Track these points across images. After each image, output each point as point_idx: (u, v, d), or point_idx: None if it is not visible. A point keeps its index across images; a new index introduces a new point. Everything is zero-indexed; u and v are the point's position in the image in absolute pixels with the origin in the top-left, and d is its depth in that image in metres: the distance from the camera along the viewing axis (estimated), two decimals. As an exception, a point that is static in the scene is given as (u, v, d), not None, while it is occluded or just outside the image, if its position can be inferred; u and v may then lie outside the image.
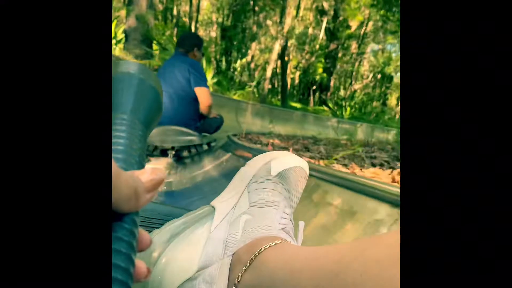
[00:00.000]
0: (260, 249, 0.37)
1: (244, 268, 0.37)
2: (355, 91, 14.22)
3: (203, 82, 1.91)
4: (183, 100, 1.88)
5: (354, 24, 13.05)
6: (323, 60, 12.94)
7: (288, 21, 9.01)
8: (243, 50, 12.01)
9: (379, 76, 16.45)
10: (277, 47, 9.40)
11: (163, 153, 1.69)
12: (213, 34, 11.58)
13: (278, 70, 11.37)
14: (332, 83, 13.51)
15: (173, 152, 1.65)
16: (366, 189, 0.97)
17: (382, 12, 11.87)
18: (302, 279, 0.30)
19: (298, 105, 10.96)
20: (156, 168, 0.22)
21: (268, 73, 9.46)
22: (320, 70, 12.51)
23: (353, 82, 14.73)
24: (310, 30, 12.99)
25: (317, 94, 13.23)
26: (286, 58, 10.45)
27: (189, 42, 2.03)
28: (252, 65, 12.55)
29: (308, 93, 13.40)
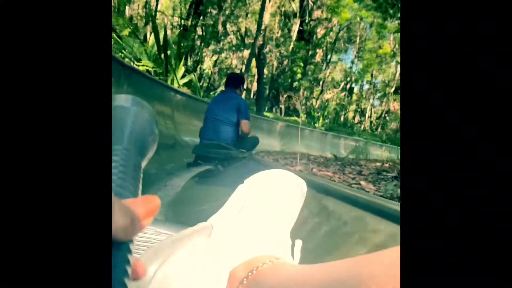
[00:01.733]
0: (257, 267, 0.38)
1: (240, 286, 0.37)
2: (327, 100, 14.35)
3: (247, 116, 2.68)
4: (229, 125, 2.62)
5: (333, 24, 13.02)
6: (301, 65, 12.72)
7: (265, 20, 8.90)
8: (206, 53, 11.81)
9: (348, 86, 16.74)
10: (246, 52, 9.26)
11: (208, 160, 2.34)
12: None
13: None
14: (301, 92, 13.53)
15: (217, 161, 2.28)
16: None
17: (363, 12, 12.08)
18: None
19: (270, 115, 10.77)
20: (151, 196, 0.23)
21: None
22: (298, 76, 12.45)
23: (324, 91, 14.89)
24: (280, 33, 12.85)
25: (284, 104, 12.99)
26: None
27: (237, 82, 2.80)
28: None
29: (276, 102, 13.24)
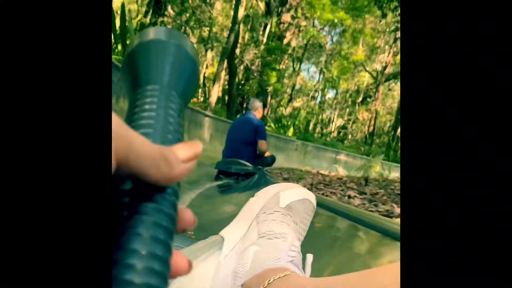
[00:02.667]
0: (269, 280, 0.38)
1: None
2: (298, 109, 13.66)
3: (264, 137, 3.03)
4: (247, 144, 2.98)
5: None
6: (277, 67, 11.98)
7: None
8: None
9: (316, 94, 16.21)
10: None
11: (228, 175, 2.62)
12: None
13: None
14: (268, 99, 12.65)
15: (236, 176, 2.59)
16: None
17: (341, 13, 11.41)
18: None
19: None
20: (193, 142, 0.21)
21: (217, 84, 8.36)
22: (273, 79, 11.57)
23: (293, 99, 14.16)
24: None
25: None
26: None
27: (256, 106, 3.14)
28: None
29: (244, 109, 12.39)
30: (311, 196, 0.54)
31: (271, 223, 0.48)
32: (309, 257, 0.47)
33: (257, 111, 3.11)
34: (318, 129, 13.35)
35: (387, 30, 14.31)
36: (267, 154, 3.08)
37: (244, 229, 0.49)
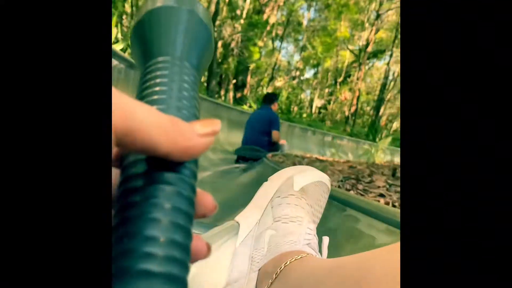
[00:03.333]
0: (286, 263, 0.38)
1: (270, 281, 0.37)
2: (279, 88, 13.13)
3: (277, 128, 3.41)
4: (263, 133, 3.35)
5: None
6: (259, 43, 11.33)
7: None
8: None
9: (297, 73, 15.73)
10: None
11: (246, 160, 2.96)
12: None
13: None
14: (248, 79, 12.05)
15: (252, 160, 2.81)
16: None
17: None
18: (329, 286, 0.31)
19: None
20: (210, 119, 0.19)
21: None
22: (256, 56, 10.93)
23: (274, 78, 13.60)
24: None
25: (231, 91, 11.61)
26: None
27: (270, 99, 3.58)
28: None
29: (222, 88, 11.73)
30: (325, 178, 0.54)
31: (285, 207, 0.48)
32: (325, 239, 0.47)
33: (272, 104, 3.53)
34: (296, 108, 12.90)
35: (368, 6, 13.88)
36: (282, 142, 3.50)
37: (259, 214, 0.48)
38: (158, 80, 0.20)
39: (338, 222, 0.85)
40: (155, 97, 0.19)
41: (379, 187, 1.35)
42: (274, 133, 3.39)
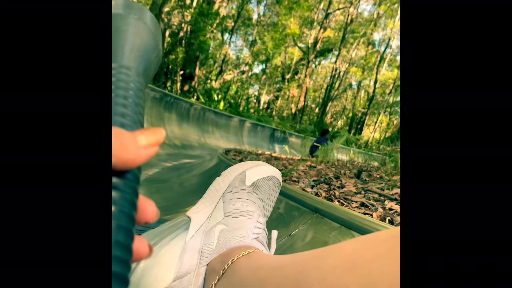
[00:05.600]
0: (233, 259, 0.38)
1: (217, 277, 0.37)
2: (229, 82, 12.89)
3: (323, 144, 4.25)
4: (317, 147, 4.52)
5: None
6: (209, 35, 10.94)
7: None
8: None
9: (246, 67, 15.61)
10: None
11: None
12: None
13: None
14: (197, 71, 11.70)
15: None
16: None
17: None
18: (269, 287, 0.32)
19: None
20: (155, 128, 0.20)
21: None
22: (206, 47, 10.53)
23: (224, 71, 13.33)
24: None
25: (178, 82, 11.20)
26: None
27: (325, 132, 5.77)
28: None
29: (168, 79, 11.28)
30: (277, 173, 0.54)
31: (237, 201, 0.48)
32: (274, 233, 0.47)
33: (326, 135, 5.60)
34: (243, 103, 12.77)
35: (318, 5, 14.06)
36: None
37: (210, 209, 0.48)
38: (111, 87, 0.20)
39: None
40: None
41: (355, 193, 1.22)
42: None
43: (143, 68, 0.24)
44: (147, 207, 0.20)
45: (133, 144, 0.18)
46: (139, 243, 0.19)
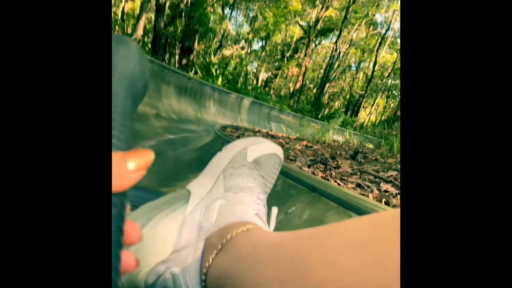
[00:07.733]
0: (232, 234, 0.38)
1: (215, 252, 0.38)
2: (228, 58, 12.71)
3: None
4: None
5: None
6: (211, 7, 10.71)
7: None
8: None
9: (244, 44, 15.38)
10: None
11: None
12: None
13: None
14: (196, 45, 11.51)
15: None
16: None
17: None
18: (266, 265, 0.31)
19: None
20: (144, 150, 0.21)
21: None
22: (210, 16, 10.32)
23: (223, 46, 13.13)
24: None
25: (177, 55, 11.02)
26: None
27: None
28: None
29: (166, 52, 11.09)
30: (279, 150, 0.54)
31: (237, 177, 0.48)
32: (274, 210, 0.48)
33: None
34: (241, 80, 12.65)
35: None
36: None
37: (211, 183, 0.48)
38: None
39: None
40: None
41: (351, 174, 1.23)
42: None
43: (131, 94, 0.25)
44: (131, 231, 0.21)
45: (122, 169, 0.19)
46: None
